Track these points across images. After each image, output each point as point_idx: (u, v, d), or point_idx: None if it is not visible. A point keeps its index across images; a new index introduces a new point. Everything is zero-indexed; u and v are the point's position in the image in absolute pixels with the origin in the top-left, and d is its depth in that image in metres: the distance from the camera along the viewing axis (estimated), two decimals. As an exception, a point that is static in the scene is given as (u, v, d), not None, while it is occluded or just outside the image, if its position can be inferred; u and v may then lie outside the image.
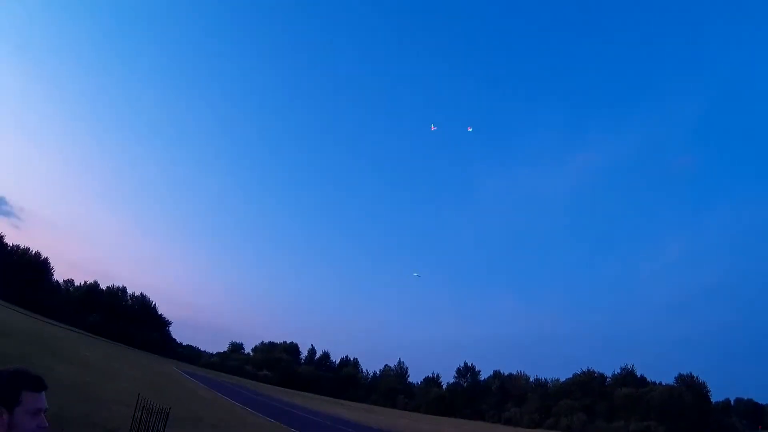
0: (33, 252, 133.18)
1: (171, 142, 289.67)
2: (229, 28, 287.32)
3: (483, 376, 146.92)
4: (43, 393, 3.58)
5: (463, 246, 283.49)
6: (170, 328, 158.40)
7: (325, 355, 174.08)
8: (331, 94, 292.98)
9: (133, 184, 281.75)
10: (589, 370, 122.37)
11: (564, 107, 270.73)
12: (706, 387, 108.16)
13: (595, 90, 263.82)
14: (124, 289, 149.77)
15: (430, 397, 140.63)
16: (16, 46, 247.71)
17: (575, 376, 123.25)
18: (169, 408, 22.03)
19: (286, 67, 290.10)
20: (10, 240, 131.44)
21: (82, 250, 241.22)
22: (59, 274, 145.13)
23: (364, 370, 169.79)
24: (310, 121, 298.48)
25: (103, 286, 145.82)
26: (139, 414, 21.96)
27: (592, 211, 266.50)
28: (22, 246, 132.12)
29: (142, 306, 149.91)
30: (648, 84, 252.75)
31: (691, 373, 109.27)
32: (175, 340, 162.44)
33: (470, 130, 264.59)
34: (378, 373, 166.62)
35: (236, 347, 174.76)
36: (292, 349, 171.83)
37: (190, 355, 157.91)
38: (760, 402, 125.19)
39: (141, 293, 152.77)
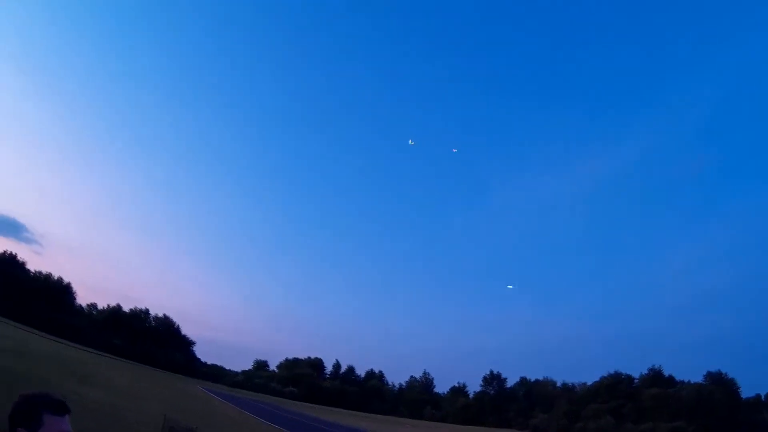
0: (55, 277, 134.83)
1: (189, 161, 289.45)
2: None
3: (509, 383, 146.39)
4: (67, 416, 3.54)
5: (481, 253, 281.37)
6: (194, 348, 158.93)
7: (350, 369, 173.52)
8: (347, 110, 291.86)
9: (151, 206, 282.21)
10: (616, 372, 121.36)
11: (572, 112, 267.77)
12: (735, 383, 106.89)
13: (602, 95, 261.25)
14: (146, 311, 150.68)
15: (457, 406, 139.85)
16: (37, 78, 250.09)
17: (602, 378, 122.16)
18: (195, 427, 21.90)
19: (308, 88, 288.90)
20: (32, 266, 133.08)
21: (105, 273, 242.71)
22: (82, 298, 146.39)
23: (390, 382, 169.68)
24: (321, 132, 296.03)
25: (126, 308, 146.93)
26: (165, 433, 21.85)
27: (610, 212, 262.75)
28: (44, 272, 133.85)
29: (166, 327, 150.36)
30: (654, 87, 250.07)
31: (719, 371, 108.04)
32: (199, 359, 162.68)
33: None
34: (404, 384, 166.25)
35: (260, 365, 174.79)
36: (317, 364, 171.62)
37: (215, 374, 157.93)
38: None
39: (164, 314, 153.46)
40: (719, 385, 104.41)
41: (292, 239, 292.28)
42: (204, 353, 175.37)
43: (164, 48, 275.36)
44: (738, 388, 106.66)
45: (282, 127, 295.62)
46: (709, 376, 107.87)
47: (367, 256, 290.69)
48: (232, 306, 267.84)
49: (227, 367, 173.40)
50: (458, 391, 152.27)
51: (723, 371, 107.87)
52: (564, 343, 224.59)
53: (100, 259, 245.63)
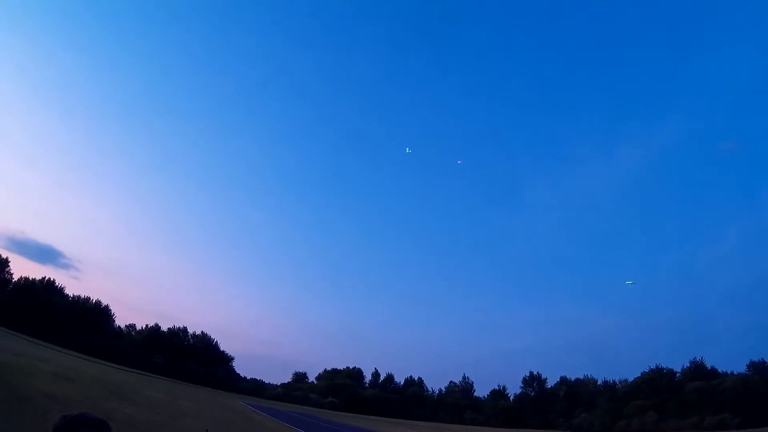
0: (93, 300, 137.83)
1: (218, 177, 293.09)
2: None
3: (550, 383, 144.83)
4: None
5: (516, 253, 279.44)
6: (233, 364, 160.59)
7: (389, 377, 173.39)
8: (382, 121, 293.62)
9: (183, 223, 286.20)
10: (657, 367, 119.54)
11: (605, 98, 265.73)
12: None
13: (636, 79, 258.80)
14: (185, 330, 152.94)
15: (498, 409, 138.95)
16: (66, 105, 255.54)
17: (644, 374, 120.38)
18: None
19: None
20: (71, 291, 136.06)
21: (142, 294, 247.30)
22: (121, 319, 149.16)
23: (429, 389, 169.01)
24: (353, 143, 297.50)
25: (164, 327, 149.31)
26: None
27: (645, 203, 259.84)
28: (82, 296, 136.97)
29: (204, 344, 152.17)
30: (688, 67, 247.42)
31: (763, 360, 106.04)
32: (238, 374, 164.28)
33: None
34: (443, 390, 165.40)
35: (300, 377, 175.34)
36: (356, 374, 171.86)
37: (255, 388, 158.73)
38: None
39: (202, 332, 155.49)
40: (763, 374, 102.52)
41: (326, 250, 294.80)
42: (243, 368, 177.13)
43: (198, 73, 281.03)
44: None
45: (313, 142, 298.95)
46: (753, 365, 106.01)
47: (401, 264, 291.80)
48: (269, 320, 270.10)
49: (267, 381, 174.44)
50: (498, 393, 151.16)
51: (766, 360, 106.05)
52: (603, 340, 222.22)
53: (137, 280, 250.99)
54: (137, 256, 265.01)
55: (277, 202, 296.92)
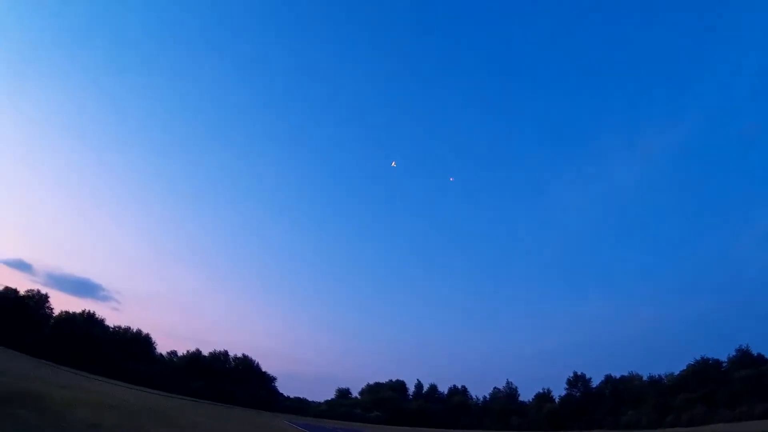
0: (134, 329, 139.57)
1: (246, 197, 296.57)
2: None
3: (594, 383, 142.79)
4: None
5: (545, 253, 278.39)
6: (275, 383, 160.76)
7: (433, 388, 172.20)
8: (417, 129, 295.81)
9: (218, 246, 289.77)
10: (703, 358, 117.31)
11: (623, 91, 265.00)
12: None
13: (653, 70, 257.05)
14: (225, 353, 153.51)
15: (543, 413, 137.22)
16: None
17: (689, 366, 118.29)
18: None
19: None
20: (111, 322, 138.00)
21: (181, 320, 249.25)
22: (162, 347, 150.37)
23: (474, 396, 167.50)
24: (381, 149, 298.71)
25: (205, 352, 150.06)
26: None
27: (669, 194, 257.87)
28: (123, 325, 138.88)
29: (245, 366, 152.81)
30: (708, 54, 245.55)
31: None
32: (281, 394, 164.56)
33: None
34: (488, 397, 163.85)
35: (343, 393, 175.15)
36: (399, 386, 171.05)
37: (299, 407, 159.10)
38: None
39: (243, 354, 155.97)
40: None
41: (360, 262, 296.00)
42: (286, 388, 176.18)
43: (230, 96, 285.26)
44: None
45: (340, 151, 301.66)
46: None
47: (437, 270, 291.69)
48: (309, 338, 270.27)
49: (310, 399, 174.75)
50: (543, 397, 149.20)
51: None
52: (645, 334, 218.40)
53: (176, 307, 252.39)
54: (176, 282, 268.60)
55: (303, 213, 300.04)
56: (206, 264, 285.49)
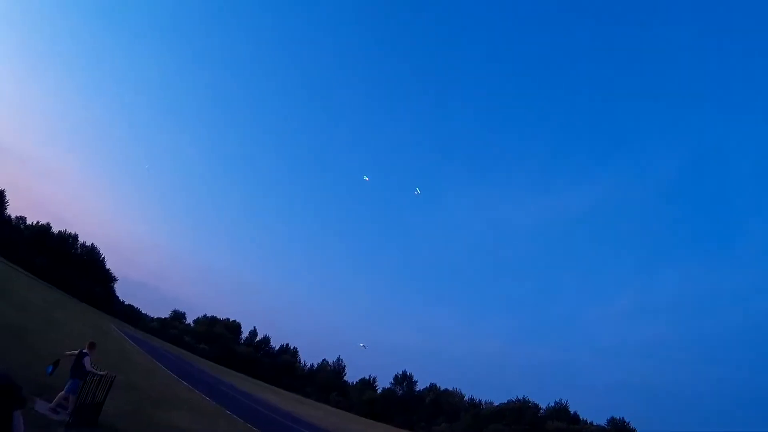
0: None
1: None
2: None
3: (419, 387, 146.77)
4: None
5: (421, 256, 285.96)
6: (115, 285, 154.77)
7: (266, 339, 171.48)
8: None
9: (107, 136, 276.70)
10: (524, 398, 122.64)
11: (540, 148, 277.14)
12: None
13: (569, 139, 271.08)
14: (75, 236, 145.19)
15: (364, 398, 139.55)
16: None
17: (509, 402, 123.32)
18: (114, 376, 20.97)
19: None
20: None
21: (42, 188, 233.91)
22: (14, 209, 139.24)
23: (302, 361, 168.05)
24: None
25: (55, 229, 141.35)
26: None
27: (553, 250, 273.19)
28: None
29: (91, 257, 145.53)
30: (620, 141, 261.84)
31: (623, 418, 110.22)
32: (117, 297, 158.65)
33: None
34: (315, 366, 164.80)
35: (178, 315, 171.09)
36: (234, 327, 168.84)
37: (132, 315, 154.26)
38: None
39: (92, 244, 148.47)
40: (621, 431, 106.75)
41: (242, 204, 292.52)
42: (123, 292, 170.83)
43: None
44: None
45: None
46: (613, 421, 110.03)
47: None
48: (161, 250, 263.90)
49: (143, 311, 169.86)
50: (367, 383, 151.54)
51: (626, 419, 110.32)
52: (479, 360, 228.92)
53: (44, 174, 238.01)
54: (52, 150, 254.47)
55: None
56: (86, 146, 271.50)
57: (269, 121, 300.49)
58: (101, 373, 19.95)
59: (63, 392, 19.02)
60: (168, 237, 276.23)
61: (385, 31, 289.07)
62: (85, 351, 20.13)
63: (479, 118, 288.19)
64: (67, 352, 20.52)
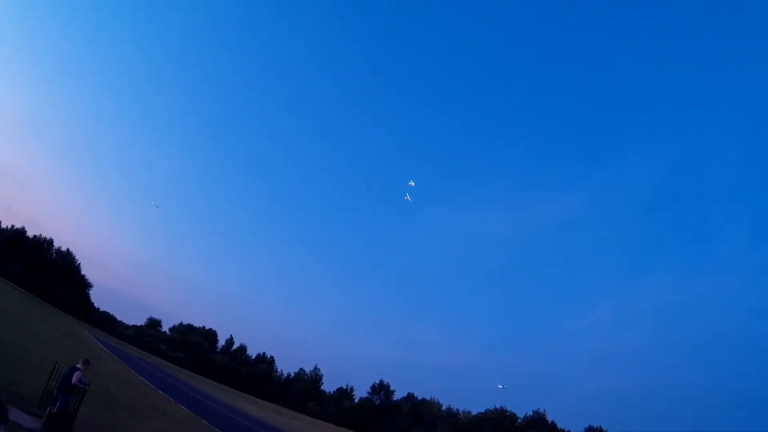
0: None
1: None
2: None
3: (396, 396, 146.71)
4: None
5: (399, 266, 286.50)
6: (90, 291, 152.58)
7: (242, 348, 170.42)
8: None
9: (83, 136, 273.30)
10: (502, 408, 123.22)
11: (519, 160, 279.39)
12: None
13: (549, 148, 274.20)
14: (50, 242, 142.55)
15: (342, 408, 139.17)
16: None
17: (488, 411, 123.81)
18: (88, 384, 20.65)
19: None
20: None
21: (18, 193, 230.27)
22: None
23: (279, 370, 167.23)
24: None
25: (30, 233, 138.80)
26: (55, 384, 20.50)
27: (532, 259, 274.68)
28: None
29: (67, 263, 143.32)
30: (600, 150, 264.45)
31: (600, 427, 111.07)
32: (93, 304, 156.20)
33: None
34: (292, 375, 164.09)
35: (154, 323, 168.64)
36: (211, 335, 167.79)
37: (107, 323, 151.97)
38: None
39: (67, 249, 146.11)
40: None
41: (224, 215, 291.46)
42: (98, 298, 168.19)
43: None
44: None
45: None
46: (591, 430, 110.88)
47: (279, 244, 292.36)
48: (137, 256, 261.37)
49: (119, 318, 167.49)
50: (345, 393, 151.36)
51: (604, 428, 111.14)
52: (457, 371, 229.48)
53: (19, 179, 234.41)
54: (26, 155, 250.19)
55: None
56: (65, 151, 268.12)
57: (243, 127, 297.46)
58: (85, 386, 19.76)
59: (54, 408, 18.77)
60: (143, 243, 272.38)
61: (362, 37, 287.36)
62: (78, 366, 19.89)
63: (459, 127, 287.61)
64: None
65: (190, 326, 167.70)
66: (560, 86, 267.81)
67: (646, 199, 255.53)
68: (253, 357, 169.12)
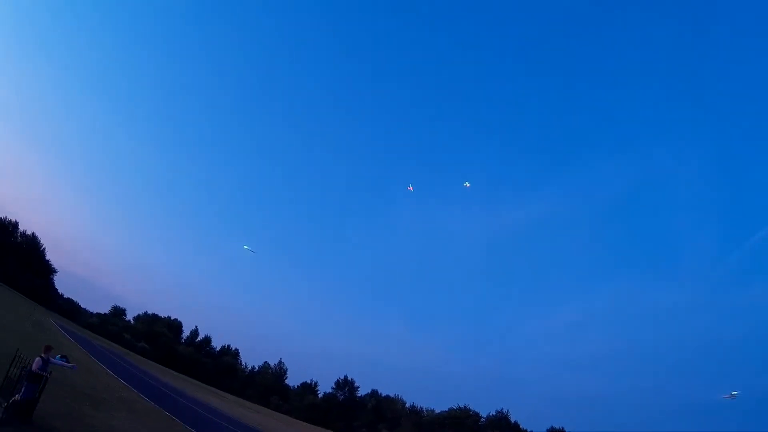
0: None
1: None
2: None
3: (360, 392, 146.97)
4: None
5: (363, 265, 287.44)
6: (54, 277, 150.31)
7: (207, 339, 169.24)
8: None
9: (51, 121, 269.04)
10: (465, 407, 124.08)
11: (485, 164, 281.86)
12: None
13: (516, 154, 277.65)
14: (16, 224, 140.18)
15: (305, 403, 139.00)
16: None
17: (451, 410, 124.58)
18: (50, 372, 20.50)
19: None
20: None
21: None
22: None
23: (244, 363, 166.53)
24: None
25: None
26: (16, 371, 20.32)
27: (497, 262, 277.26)
28: None
29: (31, 247, 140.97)
30: (564, 159, 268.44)
31: (563, 428, 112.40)
32: (57, 290, 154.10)
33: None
34: (257, 368, 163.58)
35: (118, 312, 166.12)
36: (175, 326, 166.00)
37: (71, 310, 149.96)
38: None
39: (33, 233, 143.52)
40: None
41: (182, 203, 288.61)
42: (62, 284, 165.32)
43: None
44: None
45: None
46: (553, 430, 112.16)
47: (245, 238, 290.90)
48: (103, 242, 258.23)
49: (83, 305, 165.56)
50: (308, 388, 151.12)
51: (566, 429, 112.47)
52: (421, 369, 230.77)
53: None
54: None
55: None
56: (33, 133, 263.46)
57: (217, 118, 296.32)
58: (47, 374, 19.70)
59: (18, 396, 18.69)
60: (108, 231, 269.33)
61: (336, 29, 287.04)
62: (42, 355, 19.86)
63: (426, 130, 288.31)
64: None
65: (155, 316, 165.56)
66: (533, 90, 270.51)
67: (615, 204, 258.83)
68: (218, 349, 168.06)
